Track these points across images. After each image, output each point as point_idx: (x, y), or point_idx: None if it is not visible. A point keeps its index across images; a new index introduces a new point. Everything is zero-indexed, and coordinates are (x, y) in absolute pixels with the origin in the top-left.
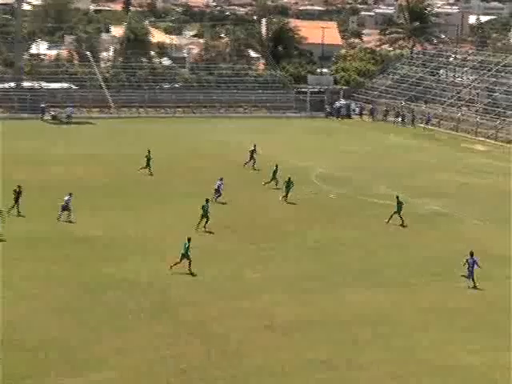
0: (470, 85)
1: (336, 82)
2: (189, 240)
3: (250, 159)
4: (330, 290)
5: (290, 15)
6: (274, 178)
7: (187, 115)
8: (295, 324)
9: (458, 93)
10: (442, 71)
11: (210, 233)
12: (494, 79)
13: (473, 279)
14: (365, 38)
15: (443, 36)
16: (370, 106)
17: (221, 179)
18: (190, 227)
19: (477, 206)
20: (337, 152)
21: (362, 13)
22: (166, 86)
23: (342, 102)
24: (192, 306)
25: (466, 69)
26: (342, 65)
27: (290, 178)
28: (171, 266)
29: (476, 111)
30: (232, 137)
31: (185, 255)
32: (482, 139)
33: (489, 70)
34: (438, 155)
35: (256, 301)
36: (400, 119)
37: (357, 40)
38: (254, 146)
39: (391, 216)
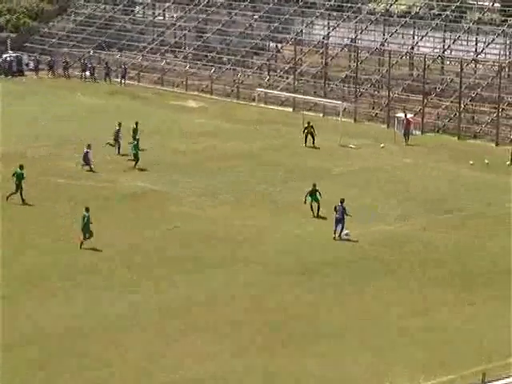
0: (174, 25)
1: (1, 29)
2: (87, 210)
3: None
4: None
5: None
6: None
7: None
8: None
9: (161, 35)
10: (137, 8)
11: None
12: (204, 16)
13: (335, 230)
14: None
15: None
16: (49, 58)
17: (88, 146)
18: None
19: (196, 177)
20: (10, 122)
21: None
22: None
23: (11, 54)
24: None
25: (167, 4)
26: (7, 5)
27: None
28: (80, 246)
29: (185, 58)
30: None
31: (85, 229)
32: (195, 93)
33: (196, 5)
34: (142, 117)
35: None
36: (89, 73)
37: None
38: (119, 124)
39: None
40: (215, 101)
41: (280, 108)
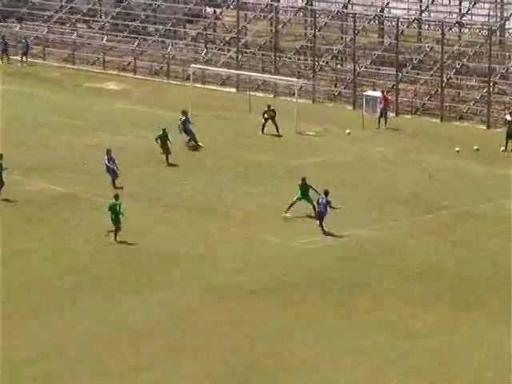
0: None
1: None
2: (116, 197)
3: None
4: None
5: None
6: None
7: None
8: None
9: (70, 1)
10: None
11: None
12: None
13: (321, 223)
14: None
15: None
16: None
17: (107, 152)
18: None
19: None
20: None
21: None
22: None
23: None
24: None
25: None
26: None
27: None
28: (106, 234)
29: (101, 29)
30: None
31: (116, 219)
32: (115, 72)
33: None
34: (49, 104)
35: None
36: None
37: None
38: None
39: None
40: (140, 81)
41: (221, 88)
